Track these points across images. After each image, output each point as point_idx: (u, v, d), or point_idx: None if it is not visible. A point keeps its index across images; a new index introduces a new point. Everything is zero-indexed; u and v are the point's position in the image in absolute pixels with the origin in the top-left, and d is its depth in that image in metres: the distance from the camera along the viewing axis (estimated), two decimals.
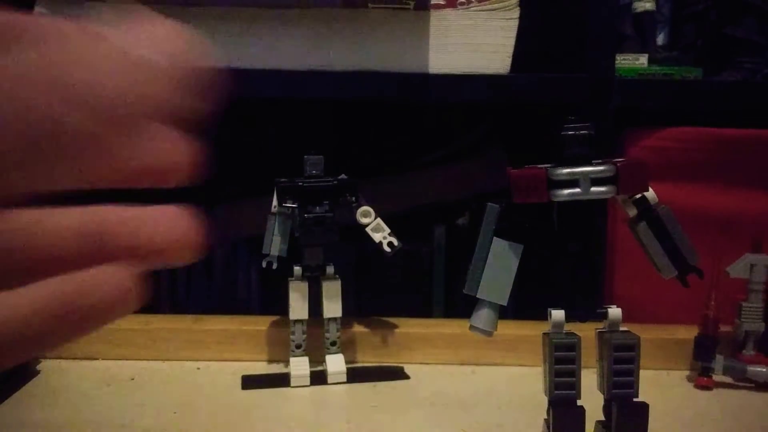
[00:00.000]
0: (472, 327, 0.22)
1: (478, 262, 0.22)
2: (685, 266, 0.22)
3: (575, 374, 0.22)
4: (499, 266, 0.22)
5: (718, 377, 0.51)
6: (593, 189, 0.21)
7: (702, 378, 0.51)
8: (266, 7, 0.57)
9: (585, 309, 0.22)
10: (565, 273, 0.22)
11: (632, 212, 0.23)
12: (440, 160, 0.75)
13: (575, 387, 0.22)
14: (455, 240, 0.71)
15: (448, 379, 0.53)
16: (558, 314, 0.22)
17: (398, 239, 0.52)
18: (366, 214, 0.52)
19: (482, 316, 0.22)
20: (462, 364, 0.55)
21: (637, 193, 0.22)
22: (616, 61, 0.59)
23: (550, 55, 0.66)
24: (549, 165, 0.22)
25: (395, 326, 0.57)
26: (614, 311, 0.22)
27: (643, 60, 0.64)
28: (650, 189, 0.22)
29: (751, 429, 0.46)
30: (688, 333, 0.52)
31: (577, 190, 0.21)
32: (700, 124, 0.60)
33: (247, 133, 0.77)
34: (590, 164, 0.22)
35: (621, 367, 0.21)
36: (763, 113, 0.58)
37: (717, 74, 0.65)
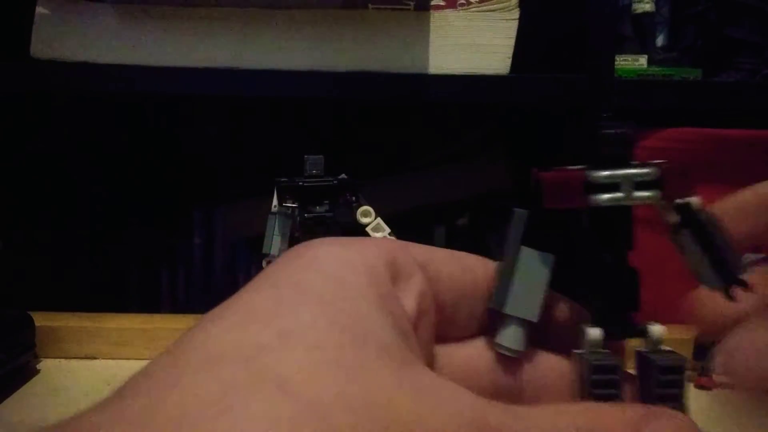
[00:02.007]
0: (498, 345, 0.20)
1: (506, 274, 0.20)
2: (731, 278, 0.20)
3: (616, 401, 0.19)
4: (529, 278, 0.20)
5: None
6: (636, 194, 0.19)
7: (702, 378, 0.51)
8: (266, 7, 0.57)
9: (622, 325, 0.20)
10: (598, 285, 0.20)
11: (673, 219, 0.20)
12: (440, 160, 0.75)
13: None
14: (455, 240, 0.71)
15: None
16: (595, 332, 0.19)
17: (398, 239, 0.52)
18: (366, 214, 0.53)
19: (510, 334, 0.20)
20: None
21: (682, 198, 0.20)
22: (616, 62, 0.59)
23: (550, 55, 0.66)
24: (583, 167, 0.20)
25: None
26: (656, 328, 0.20)
27: (642, 61, 0.64)
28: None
29: (751, 429, 0.46)
30: (688, 333, 0.52)
31: (619, 194, 0.19)
32: (700, 125, 0.60)
33: (247, 133, 0.77)
34: (630, 166, 0.19)
35: (668, 392, 0.19)
36: (762, 114, 0.58)
37: (716, 75, 0.65)
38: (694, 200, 0.20)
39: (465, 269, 0.20)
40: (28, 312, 0.53)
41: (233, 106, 0.74)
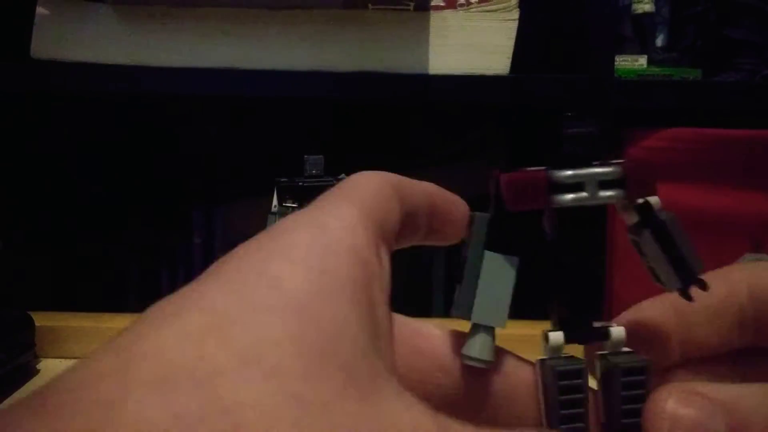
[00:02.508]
0: (466, 357, 0.19)
1: (470, 281, 0.18)
2: (691, 278, 0.19)
3: (583, 405, 0.18)
4: (494, 284, 0.19)
5: None
6: (601, 193, 0.18)
7: None
8: (267, 8, 0.57)
9: (584, 330, 0.19)
10: (560, 290, 0.19)
11: (633, 219, 0.20)
12: (440, 160, 0.75)
13: (585, 420, 0.18)
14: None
15: None
16: (556, 336, 0.18)
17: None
18: None
19: (478, 344, 0.19)
20: None
21: (645, 197, 0.19)
22: (616, 62, 0.59)
23: (550, 56, 0.66)
24: (545, 167, 0.19)
25: None
26: (617, 330, 0.19)
27: (642, 61, 0.64)
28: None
29: None
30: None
31: (584, 194, 0.18)
32: (700, 125, 0.60)
33: (247, 133, 0.77)
34: (593, 166, 0.19)
35: (631, 394, 0.18)
36: (762, 114, 0.58)
37: (716, 75, 0.65)
38: (654, 200, 0.19)
39: (419, 203, 0.21)
40: (28, 312, 0.53)
41: (233, 106, 0.74)
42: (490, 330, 0.19)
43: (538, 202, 0.18)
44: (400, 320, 0.20)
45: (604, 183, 0.19)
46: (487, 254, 0.19)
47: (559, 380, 0.18)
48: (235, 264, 0.15)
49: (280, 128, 0.74)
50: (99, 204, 0.76)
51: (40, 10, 0.57)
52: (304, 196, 0.51)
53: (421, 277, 0.70)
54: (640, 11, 0.67)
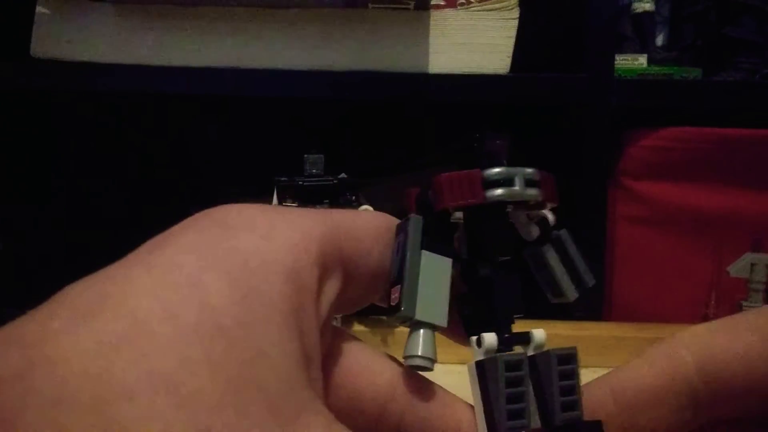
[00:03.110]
0: (410, 357, 0.18)
1: (411, 280, 0.18)
2: (585, 290, 0.20)
3: (525, 398, 0.18)
4: (433, 283, 0.19)
5: None
6: (528, 190, 0.19)
7: None
8: (267, 7, 0.57)
9: (508, 333, 0.19)
10: (479, 294, 0.19)
11: (534, 234, 0.20)
12: (440, 160, 0.75)
13: (525, 416, 0.18)
14: None
15: (449, 378, 0.53)
16: (490, 338, 0.18)
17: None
18: None
19: (423, 343, 0.18)
20: (462, 363, 0.55)
21: (552, 204, 0.20)
22: (616, 62, 0.59)
23: (550, 55, 0.66)
24: (475, 168, 0.19)
25: (395, 326, 0.57)
26: (538, 332, 0.19)
27: (642, 60, 0.64)
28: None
29: None
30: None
31: (516, 188, 0.19)
32: (700, 124, 0.60)
33: (247, 133, 0.77)
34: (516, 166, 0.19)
35: (565, 384, 0.18)
36: (762, 113, 0.58)
37: (716, 74, 0.65)
38: (551, 217, 0.20)
39: (382, 254, 0.19)
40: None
41: (233, 105, 0.74)
42: (430, 330, 0.19)
43: (475, 195, 0.19)
44: (356, 351, 0.19)
45: (528, 181, 0.19)
46: (425, 254, 0.19)
47: (506, 371, 0.18)
48: (166, 261, 0.14)
49: (280, 128, 0.74)
50: (99, 204, 0.76)
51: (39, 9, 0.57)
52: (304, 195, 0.51)
53: None
54: (639, 10, 0.67)
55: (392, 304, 0.19)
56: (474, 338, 0.19)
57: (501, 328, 0.19)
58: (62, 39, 0.57)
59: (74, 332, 0.12)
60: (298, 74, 0.57)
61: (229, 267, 0.14)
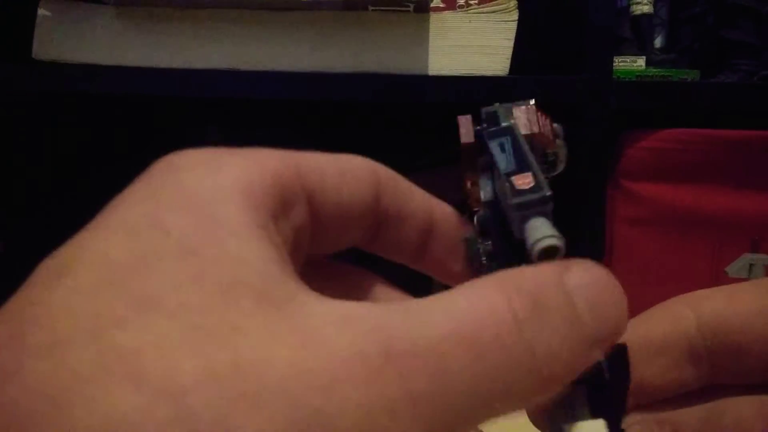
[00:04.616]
0: (544, 239, 0.17)
1: (535, 165, 0.18)
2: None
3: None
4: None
5: None
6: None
7: None
8: (267, 9, 0.57)
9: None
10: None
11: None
12: (440, 161, 0.75)
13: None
14: None
15: None
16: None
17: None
18: None
19: (548, 224, 0.17)
20: None
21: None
22: (614, 63, 0.59)
23: (549, 57, 0.66)
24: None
25: None
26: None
27: (640, 62, 0.65)
28: None
29: None
30: None
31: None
32: (698, 126, 0.60)
33: (248, 133, 0.78)
34: None
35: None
36: (760, 114, 0.59)
37: (714, 76, 0.66)
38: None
39: (353, 194, 0.18)
40: None
41: (233, 107, 0.75)
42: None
43: None
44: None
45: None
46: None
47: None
48: (122, 213, 0.15)
49: (281, 129, 0.74)
50: (100, 204, 0.76)
51: (41, 11, 0.57)
52: None
53: (421, 276, 0.70)
54: (638, 12, 0.68)
55: (524, 188, 0.18)
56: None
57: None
58: (64, 40, 0.57)
59: (55, 286, 0.13)
60: (297, 76, 0.57)
61: (180, 201, 0.14)
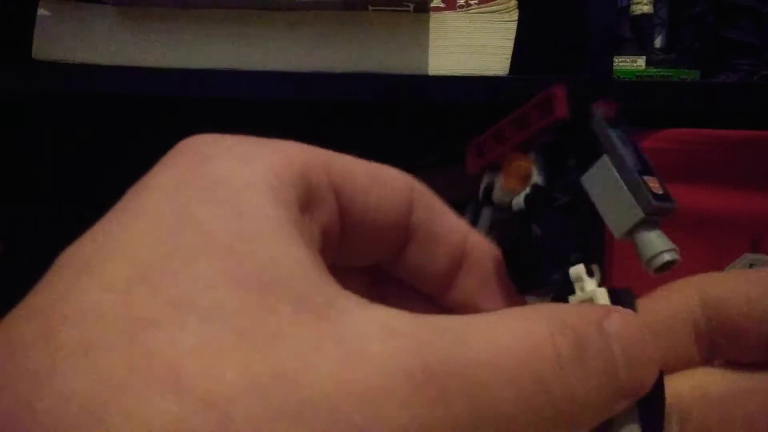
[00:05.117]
0: (661, 255, 0.18)
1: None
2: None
3: None
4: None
5: None
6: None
7: None
8: (267, 9, 0.57)
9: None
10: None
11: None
12: (440, 161, 0.75)
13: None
14: None
15: None
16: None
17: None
18: None
19: (663, 236, 0.18)
20: None
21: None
22: (615, 63, 0.59)
23: (549, 57, 0.66)
24: None
25: None
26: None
27: (641, 62, 0.65)
28: None
29: None
30: None
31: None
32: (698, 126, 0.60)
33: (247, 133, 0.78)
34: None
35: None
36: (760, 114, 0.59)
37: (714, 76, 0.66)
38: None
39: (383, 199, 0.17)
40: None
41: (233, 107, 0.75)
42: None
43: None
44: None
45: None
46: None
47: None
48: (147, 203, 0.14)
49: (280, 129, 0.74)
50: (100, 205, 0.76)
51: (41, 11, 0.57)
52: None
53: None
54: (638, 12, 0.68)
55: (659, 193, 0.17)
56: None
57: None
58: (64, 40, 0.57)
59: (85, 282, 0.12)
60: (297, 76, 0.57)
61: (211, 193, 0.14)
